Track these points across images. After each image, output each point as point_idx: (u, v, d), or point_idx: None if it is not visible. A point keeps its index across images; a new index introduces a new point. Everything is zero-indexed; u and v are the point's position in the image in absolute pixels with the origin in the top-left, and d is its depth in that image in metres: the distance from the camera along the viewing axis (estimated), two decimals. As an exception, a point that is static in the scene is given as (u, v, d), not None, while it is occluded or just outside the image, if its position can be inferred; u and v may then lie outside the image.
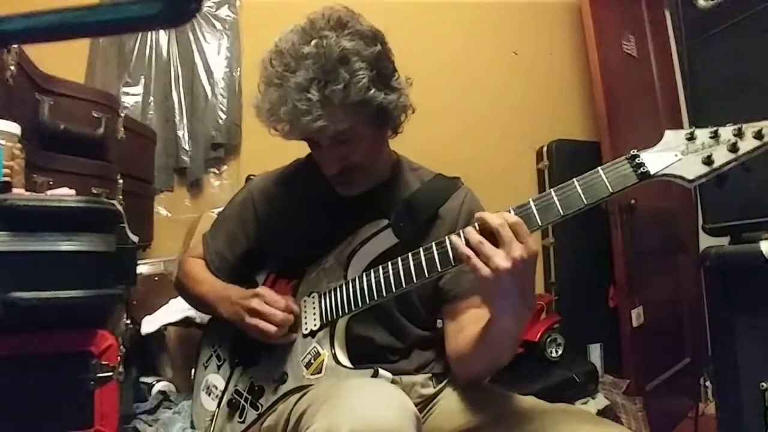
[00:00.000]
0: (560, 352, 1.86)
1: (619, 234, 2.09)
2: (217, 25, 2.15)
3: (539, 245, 2.40)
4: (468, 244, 0.76)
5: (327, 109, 0.86)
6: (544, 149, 2.46)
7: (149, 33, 2.03)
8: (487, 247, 0.74)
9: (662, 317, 2.31)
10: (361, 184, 1.01)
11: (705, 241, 1.20)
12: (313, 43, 0.86)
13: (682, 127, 0.76)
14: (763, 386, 1.00)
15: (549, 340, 1.85)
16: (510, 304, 0.77)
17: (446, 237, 0.85)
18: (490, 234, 0.75)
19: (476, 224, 0.78)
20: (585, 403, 1.75)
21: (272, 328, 0.94)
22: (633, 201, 2.12)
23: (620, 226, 2.09)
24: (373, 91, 0.89)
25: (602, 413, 1.72)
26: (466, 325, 0.95)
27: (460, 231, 0.82)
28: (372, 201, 1.03)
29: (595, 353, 2.23)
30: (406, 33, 2.16)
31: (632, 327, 2.09)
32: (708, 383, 2.42)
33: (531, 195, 0.80)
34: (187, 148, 2.07)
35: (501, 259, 0.72)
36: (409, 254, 0.89)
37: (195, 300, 1.17)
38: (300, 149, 1.05)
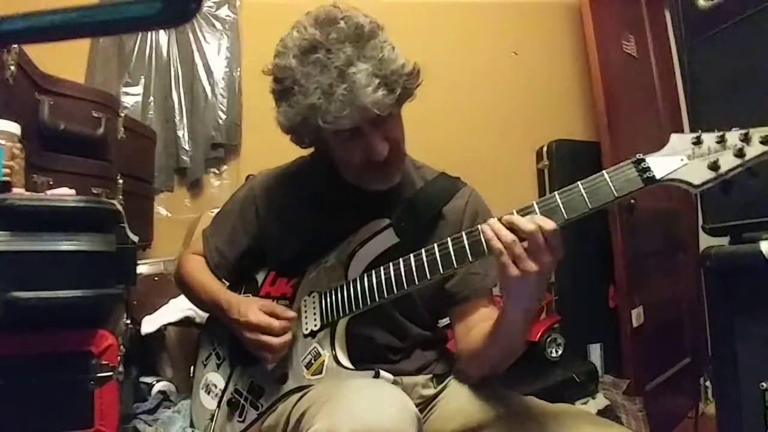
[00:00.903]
0: (560, 352, 1.86)
1: (619, 234, 2.09)
2: (217, 25, 2.16)
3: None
4: (499, 239, 0.75)
5: (381, 78, 0.86)
6: (544, 149, 2.46)
7: (149, 33, 2.03)
8: (519, 248, 0.74)
9: (662, 317, 2.31)
10: (397, 173, 0.99)
11: (705, 241, 1.20)
12: (340, 25, 0.86)
13: (682, 128, 0.76)
14: (763, 386, 0.99)
15: (549, 340, 1.85)
16: (526, 301, 0.80)
17: (448, 239, 0.85)
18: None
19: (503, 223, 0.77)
20: (585, 403, 1.75)
21: (267, 357, 0.95)
22: (633, 201, 2.11)
23: (620, 226, 2.09)
24: (400, 59, 0.90)
25: (602, 413, 1.72)
26: (474, 324, 0.96)
27: (490, 221, 0.79)
28: (374, 199, 1.02)
29: (595, 353, 2.23)
30: (406, 33, 2.15)
31: (632, 327, 2.08)
32: (708, 383, 2.42)
33: (531, 195, 0.80)
34: (187, 148, 2.07)
35: (531, 264, 0.73)
36: (411, 255, 0.89)
37: (193, 299, 1.17)
38: (299, 149, 1.05)
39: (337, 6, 0.90)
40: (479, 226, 0.81)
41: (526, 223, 0.74)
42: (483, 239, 0.79)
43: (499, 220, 0.78)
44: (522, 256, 0.73)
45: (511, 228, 0.75)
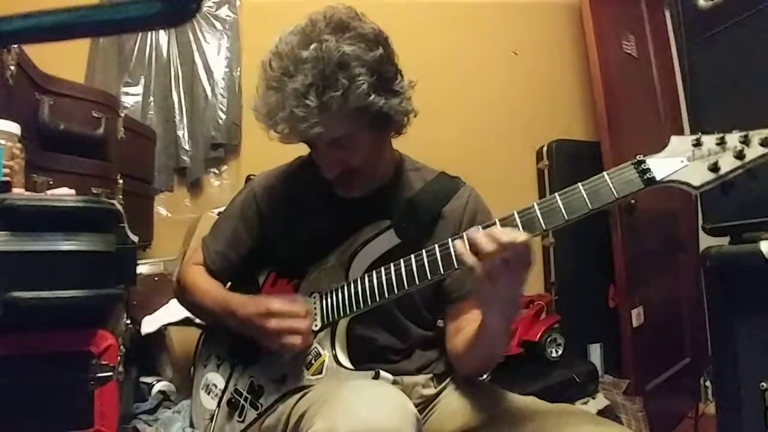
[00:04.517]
0: (560, 352, 1.86)
1: (619, 234, 2.09)
2: (217, 25, 2.16)
3: (539, 246, 2.40)
4: (474, 249, 0.77)
5: (324, 116, 0.85)
6: (544, 149, 2.46)
7: (149, 33, 2.03)
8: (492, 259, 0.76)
9: (662, 317, 2.31)
10: (362, 187, 1.00)
11: (705, 241, 1.20)
12: (312, 47, 0.84)
13: (682, 128, 0.77)
14: (763, 386, 0.99)
15: (549, 340, 1.85)
16: (501, 307, 0.82)
17: (449, 240, 0.85)
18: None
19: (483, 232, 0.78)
20: (585, 403, 1.75)
21: (297, 340, 0.92)
22: (633, 201, 2.12)
23: (620, 227, 2.09)
24: (372, 96, 0.88)
25: (602, 413, 1.72)
26: (465, 325, 0.96)
27: (464, 234, 0.82)
28: (374, 201, 1.02)
29: (595, 353, 2.23)
30: (407, 32, 2.15)
31: (632, 327, 2.09)
32: (708, 383, 2.42)
33: (531, 195, 0.80)
34: (187, 148, 2.07)
35: (504, 275, 0.76)
36: (412, 256, 0.89)
37: (198, 311, 1.15)
38: (301, 148, 1.05)
39: (341, 18, 0.88)
40: (450, 241, 0.83)
41: (501, 235, 0.75)
42: (454, 253, 0.81)
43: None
44: (497, 269, 0.75)
45: (489, 238, 0.76)
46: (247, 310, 0.97)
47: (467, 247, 0.78)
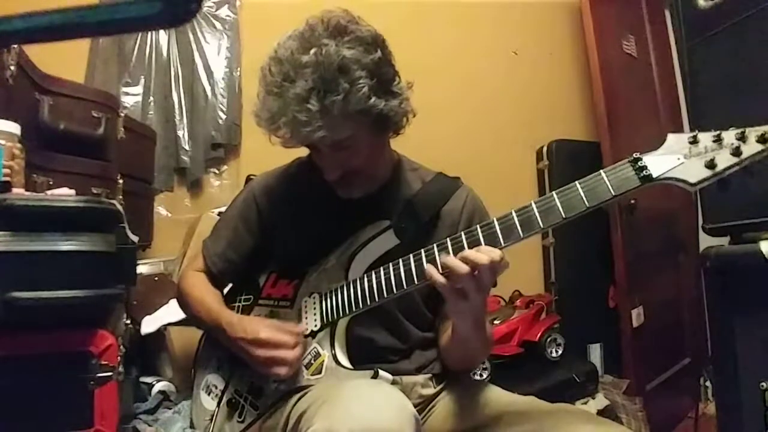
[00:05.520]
0: (560, 352, 1.86)
1: (619, 234, 2.09)
2: (217, 25, 2.15)
3: (539, 246, 2.40)
4: (453, 272, 0.80)
5: (326, 120, 0.86)
6: (544, 149, 2.46)
7: (149, 33, 2.03)
8: (469, 280, 0.79)
9: (662, 317, 2.31)
10: (363, 188, 1.01)
11: (705, 241, 1.20)
12: (312, 51, 0.85)
13: (682, 128, 0.77)
14: (763, 386, 0.99)
15: (549, 340, 1.85)
16: (473, 316, 0.85)
17: (447, 239, 0.86)
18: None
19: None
20: (585, 403, 1.75)
21: (283, 372, 0.92)
22: (633, 201, 2.12)
23: (620, 227, 2.09)
24: (373, 99, 0.88)
25: (602, 413, 1.72)
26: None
27: (443, 258, 0.84)
28: (373, 202, 1.03)
29: (595, 353, 2.23)
30: (406, 33, 2.16)
31: (632, 327, 2.09)
32: (708, 383, 2.42)
33: (531, 195, 0.81)
34: (187, 148, 2.06)
35: (477, 291, 0.80)
36: (411, 255, 0.90)
37: (194, 320, 1.15)
38: (300, 149, 1.05)
39: (339, 22, 0.88)
40: (425, 267, 0.85)
41: (480, 256, 0.78)
42: (432, 276, 0.83)
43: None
44: (470, 287, 0.79)
45: (465, 261, 0.79)
46: (236, 332, 0.97)
47: (440, 269, 0.82)
